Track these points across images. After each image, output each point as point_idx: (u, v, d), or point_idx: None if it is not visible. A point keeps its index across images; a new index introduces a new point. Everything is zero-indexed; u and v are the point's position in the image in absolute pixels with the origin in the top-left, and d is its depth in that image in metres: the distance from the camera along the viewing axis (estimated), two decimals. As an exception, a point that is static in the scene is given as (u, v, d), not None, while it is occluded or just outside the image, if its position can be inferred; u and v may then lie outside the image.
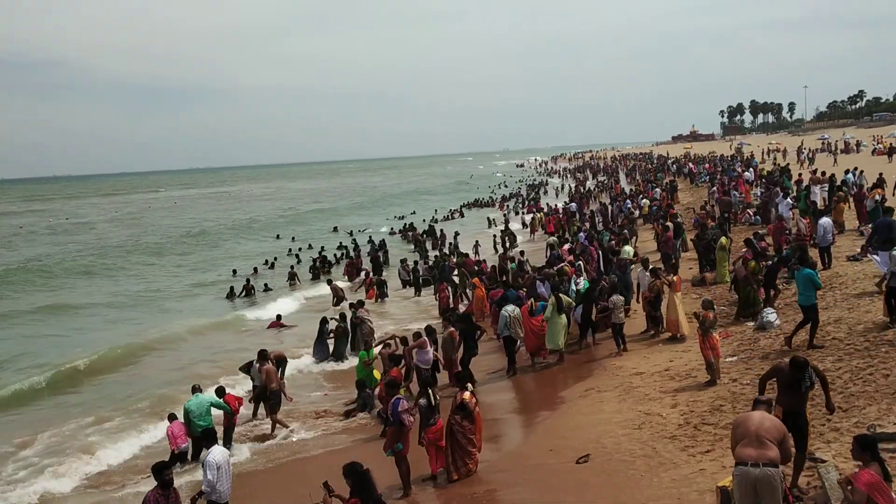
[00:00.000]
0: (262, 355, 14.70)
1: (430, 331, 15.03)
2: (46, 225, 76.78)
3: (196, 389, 12.91)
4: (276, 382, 14.06)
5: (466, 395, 10.46)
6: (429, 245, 38.65)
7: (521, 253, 25.80)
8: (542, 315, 15.24)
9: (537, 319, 15.28)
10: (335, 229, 53.46)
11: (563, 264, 19.25)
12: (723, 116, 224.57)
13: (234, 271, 35.09)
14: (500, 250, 32.07)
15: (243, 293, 29.78)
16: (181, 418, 12.60)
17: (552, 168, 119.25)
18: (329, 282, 27.24)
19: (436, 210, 59.68)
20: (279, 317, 23.39)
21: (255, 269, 34.92)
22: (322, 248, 40.79)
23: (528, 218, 43.79)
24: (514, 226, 42.41)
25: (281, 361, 15.82)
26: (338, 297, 25.49)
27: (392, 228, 50.05)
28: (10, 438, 14.40)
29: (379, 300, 25.80)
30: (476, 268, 23.16)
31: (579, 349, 15.85)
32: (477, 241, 35.13)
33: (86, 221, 79.11)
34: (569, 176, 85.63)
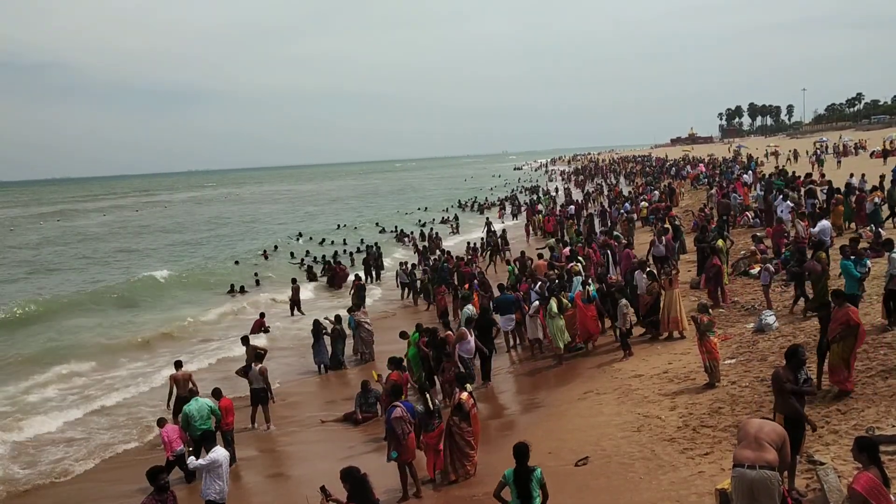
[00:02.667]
0: (259, 356, 14.68)
1: (469, 322, 15.48)
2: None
3: (193, 393, 12.86)
4: (185, 389, 14.08)
5: (464, 395, 10.45)
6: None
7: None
8: (593, 304, 15.50)
9: (591, 308, 15.45)
10: (338, 227, 53.22)
11: (573, 263, 19.32)
12: (721, 119, 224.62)
13: (237, 262, 36.19)
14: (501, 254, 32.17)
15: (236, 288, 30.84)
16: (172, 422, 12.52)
17: (552, 170, 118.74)
18: (293, 280, 27.36)
19: (425, 208, 59.50)
20: (262, 315, 23.00)
21: (256, 274, 34.87)
22: (321, 240, 40.79)
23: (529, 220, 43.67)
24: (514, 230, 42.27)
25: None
26: (294, 300, 25.63)
27: (382, 227, 50.08)
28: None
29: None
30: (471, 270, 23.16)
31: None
32: (470, 243, 35.20)
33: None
34: (569, 179, 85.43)
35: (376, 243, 37.18)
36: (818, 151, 58.87)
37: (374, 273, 31.23)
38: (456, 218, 51.78)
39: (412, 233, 44.99)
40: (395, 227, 48.60)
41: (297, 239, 45.43)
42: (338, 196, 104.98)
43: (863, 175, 27.12)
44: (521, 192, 70.36)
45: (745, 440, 6.52)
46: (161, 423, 12.20)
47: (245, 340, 16.91)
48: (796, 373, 7.69)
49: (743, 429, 6.68)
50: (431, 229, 43.88)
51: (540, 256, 22.82)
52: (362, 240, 42.25)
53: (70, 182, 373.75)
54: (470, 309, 16.66)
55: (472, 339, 14.59)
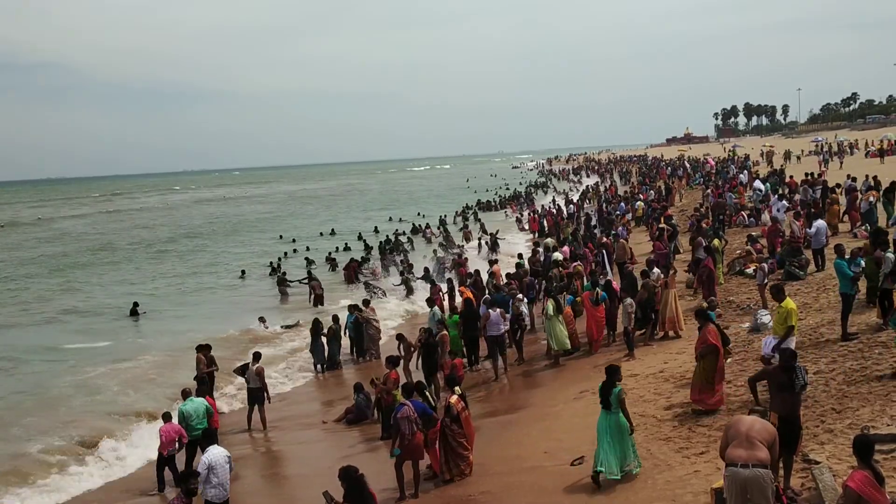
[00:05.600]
0: (257, 356, 14.68)
1: (488, 304, 16.10)
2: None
3: (187, 393, 12.81)
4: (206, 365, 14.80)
5: (454, 398, 10.48)
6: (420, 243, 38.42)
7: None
8: (602, 305, 15.65)
9: (600, 309, 15.60)
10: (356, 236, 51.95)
11: (576, 263, 19.38)
12: (717, 119, 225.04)
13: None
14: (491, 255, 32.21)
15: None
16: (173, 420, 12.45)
17: (548, 170, 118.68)
18: (303, 279, 27.28)
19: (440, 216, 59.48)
20: (262, 319, 22.60)
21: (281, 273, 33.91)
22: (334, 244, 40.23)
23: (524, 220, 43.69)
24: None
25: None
26: (316, 295, 26.00)
27: (375, 227, 49.85)
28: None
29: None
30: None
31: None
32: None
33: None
34: (565, 178, 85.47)
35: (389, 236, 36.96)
36: (824, 151, 58.88)
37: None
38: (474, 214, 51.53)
39: (428, 225, 44.10)
40: (417, 224, 46.78)
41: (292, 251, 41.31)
42: (333, 194, 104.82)
43: (867, 175, 27.13)
44: (535, 191, 70.47)
45: (737, 439, 6.51)
46: (166, 417, 12.11)
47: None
48: (790, 373, 7.69)
49: (734, 427, 6.66)
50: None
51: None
52: (381, 241, 40.90)
53: (70, 182, 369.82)
54: (437, 311, 16.94)
55: (493, 313, 15.06)
